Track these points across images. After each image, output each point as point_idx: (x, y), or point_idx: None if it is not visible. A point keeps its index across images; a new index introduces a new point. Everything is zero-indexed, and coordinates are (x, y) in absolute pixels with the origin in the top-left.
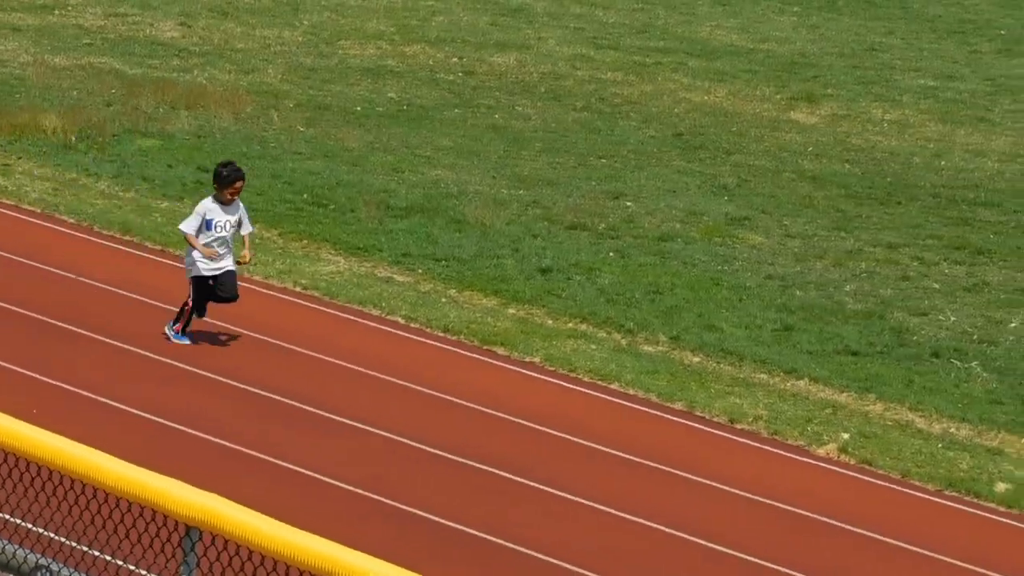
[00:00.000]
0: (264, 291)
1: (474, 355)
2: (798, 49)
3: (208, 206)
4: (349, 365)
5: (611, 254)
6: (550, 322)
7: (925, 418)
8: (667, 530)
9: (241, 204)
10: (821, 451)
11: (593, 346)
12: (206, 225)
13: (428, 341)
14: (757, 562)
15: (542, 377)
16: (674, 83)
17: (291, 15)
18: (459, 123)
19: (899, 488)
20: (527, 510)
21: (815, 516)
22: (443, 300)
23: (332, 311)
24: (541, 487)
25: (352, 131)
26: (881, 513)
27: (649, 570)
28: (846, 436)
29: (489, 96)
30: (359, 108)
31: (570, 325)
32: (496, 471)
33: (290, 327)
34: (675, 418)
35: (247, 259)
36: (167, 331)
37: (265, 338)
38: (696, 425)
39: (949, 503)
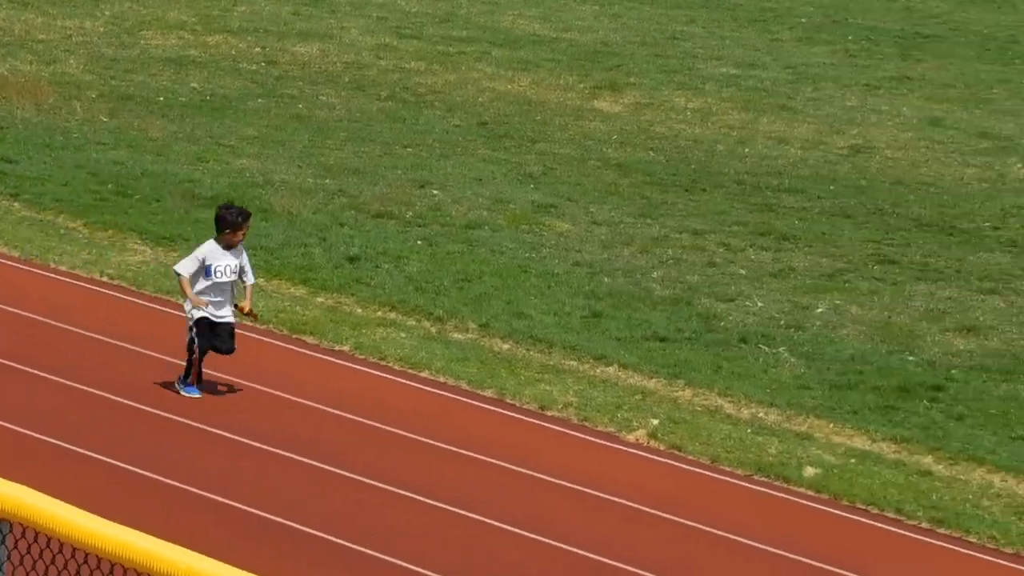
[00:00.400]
0: (71, 281)
1: (283, 344)
2: (601, 38)
3: (210, 250)
4: (156, 355)
5: (419, 242)
6: (359, 310)
7: (734, 403)
8: (477, 517)
9: (244, 249)
10: (631, 437)
11: (403, 334)
12: (205, 271)
13: (236, 331)
14: (567, 548)
15: (352, 365)
16: (478, 72)
17: (92, 5)
18: (263, 113)
19: (709, 473)
20: (337, 496)
21: (625, 502)
22: None
23: (140, 301)
24: (351, 475)
25: (155, 121)
26: (691, 498)
27: (459, 557)
28: (655, 422)
29: (293, 86)
30: (162, 98)
31: (379, 313)
32: (305, 459)
33: (98, 317)
34: (486, 405)
35: (247, 309)
36: (177, 387)
37: (72, 328)
38: (507, 412)
39: (759, 488)
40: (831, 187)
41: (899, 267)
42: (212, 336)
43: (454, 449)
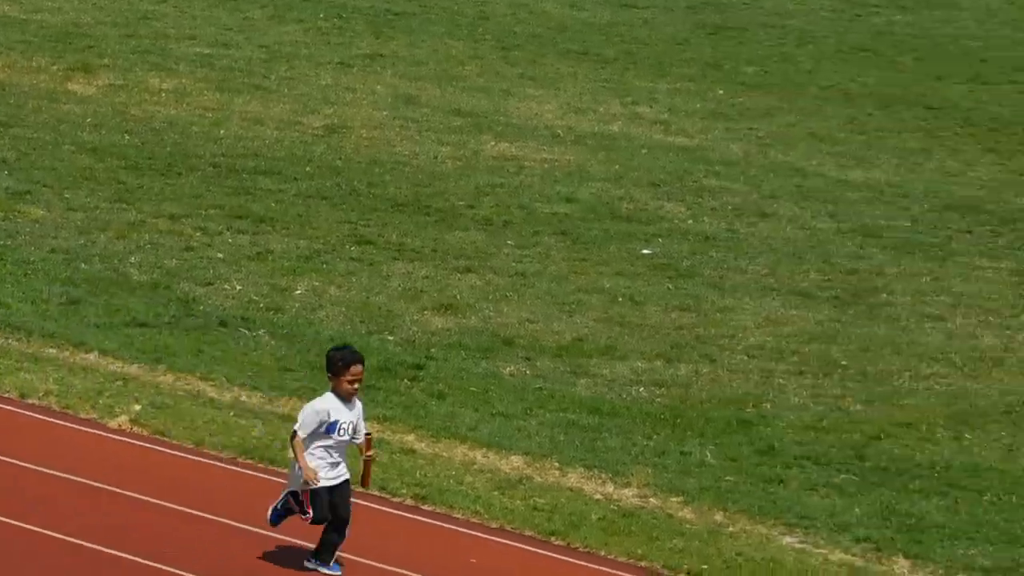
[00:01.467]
0: None
1: None
2: (72, 19)
3: (331, 404)
4: None
5: None
6: None
7: (216, 387)
8: None
9: (359, 400)
10: (114, 423)
11: None
12: (328, 428)
13: None
14: (53, 535)
15: None
16: None
17: None
18: None
19: (194, 457)
20: None
21: (111, 488)
22: None
23: None
24: None
25: None
26: (177, 482)
27: None
28: (138, 407)
29: None
30: None
31: None
32: None
33: None
34: None
35: (373, 456)
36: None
37: None
38: None
39: (243, 470)
40: (307, 168)
41: (376, 247)
42: (332, 505)
43: None
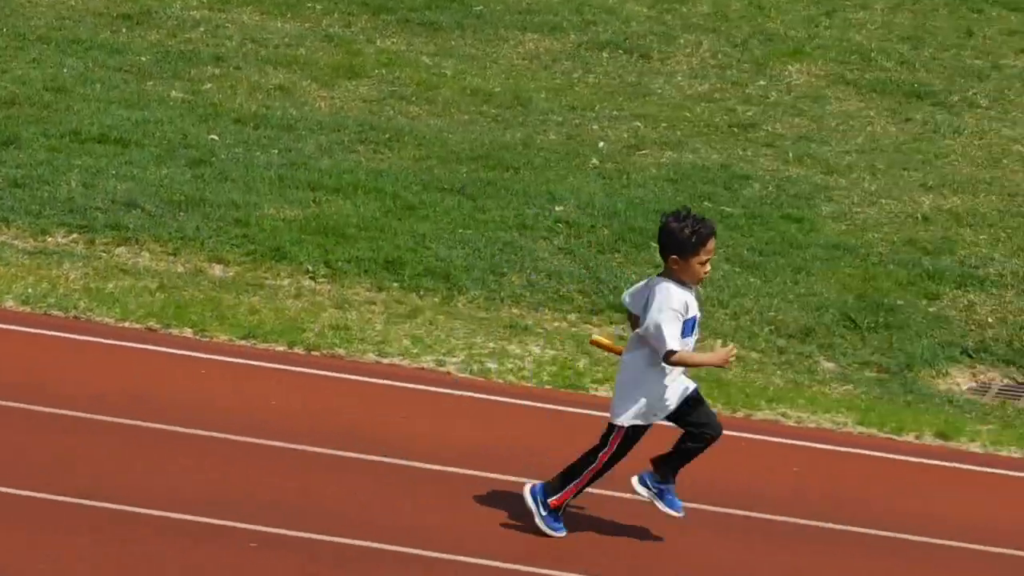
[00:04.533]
0: None
1: None
2: None
3: (686, 296)
4: None
5: None
6: None
7: None
8: None
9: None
10: None
11: None
12: (685, 328)
13: None
14: None
15: None
16: None
17: None
18: None
19: None
20: None
21: None
22: None
23: None
24: None
25: None
26: None
27: None
28: None
29: None
30: None
31: None
32: None
33: None
34: None
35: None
36: (542, 525)
37: None
38: None
39: None
40: None
41: None
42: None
43: None
